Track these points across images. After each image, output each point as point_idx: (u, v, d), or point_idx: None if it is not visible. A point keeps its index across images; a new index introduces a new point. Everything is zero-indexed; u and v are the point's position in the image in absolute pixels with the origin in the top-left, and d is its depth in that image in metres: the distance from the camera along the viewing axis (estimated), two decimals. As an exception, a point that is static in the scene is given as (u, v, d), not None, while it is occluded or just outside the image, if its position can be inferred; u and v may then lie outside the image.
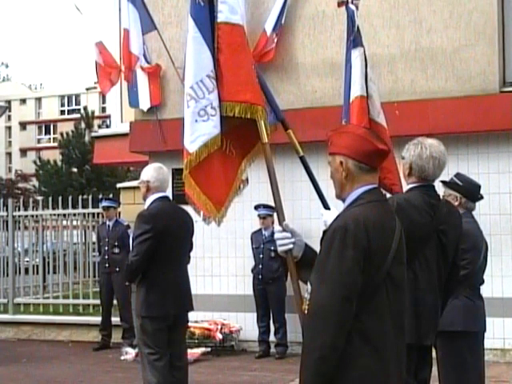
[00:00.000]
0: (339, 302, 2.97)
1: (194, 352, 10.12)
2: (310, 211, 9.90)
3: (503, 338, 9.65)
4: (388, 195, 5.22)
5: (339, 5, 6.73)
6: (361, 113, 6.32)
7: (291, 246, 3.63)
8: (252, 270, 10.57)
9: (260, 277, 10.41)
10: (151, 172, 6.31)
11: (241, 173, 4.52)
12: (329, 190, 3.81)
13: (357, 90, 6.41)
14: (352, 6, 6.67)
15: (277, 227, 3.73)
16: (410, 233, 4.67)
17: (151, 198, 6.28)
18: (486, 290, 6.17)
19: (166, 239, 6.15)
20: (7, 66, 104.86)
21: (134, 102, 11.45)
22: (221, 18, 4.33)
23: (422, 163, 4.60)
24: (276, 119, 4.68)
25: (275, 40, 10.65)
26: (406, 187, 4.80)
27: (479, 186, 5.95)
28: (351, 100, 6.43)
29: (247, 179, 4.65)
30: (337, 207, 3.79)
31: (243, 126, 4.35)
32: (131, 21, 10.86)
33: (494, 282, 9.14)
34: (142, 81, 11.24)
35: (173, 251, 6.25)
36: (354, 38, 6.60)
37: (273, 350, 10.46)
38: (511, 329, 9.65)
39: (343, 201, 3.30)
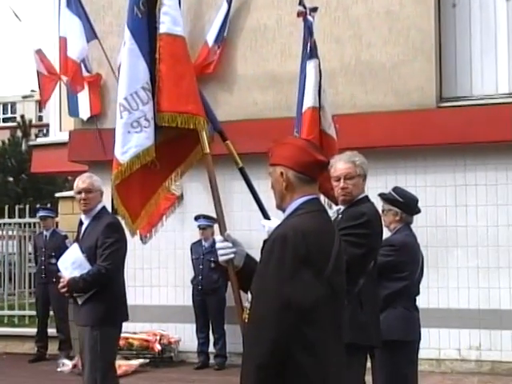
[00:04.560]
0: (278, 311, 2.99)
1: (132, 363, 10.06)
2: (250, 222, 9.94)
3: (438, 349, 9.82)
4: (334, 207, 5.31)
5: (298, 15, 6.79)
6: (312, 124, 6.34)
7: (232, 255, 3.66)
8: (191, 281, 10.54)
9: (200, 288, 10.39)
10: (100, 181, 6.28)
11: (168, 185, 4.53)
12: (269, 202, 3.84)
13: (309, 101, 6.44)
14: (310, 18, 6.74)
15: (218, 237, 3.76)
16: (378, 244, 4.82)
17: (100, 206, 6.23)
18: (422, 301, 6.29)
19: (126, 247, 6.19)
20: None
21: (73, 111, 11.34)
22: (163, 29, 4.34)
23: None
24: (213, 130, 4.71)
25: (217, 52, 10.68)
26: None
27: (417, 200, 6.08)
28: (303, 110, 6.46)
29: (182, 195, 4.69)
30: (277, 217, 3.83)
31: (176, 139, 4.37)
32: (71, 28, 10.74)
33: (430, 293, 9.31)
34: (82, 90, 11.14)
35: (125, 260, 6.30)
36: (311, 49, 6.66)
37: (212, 361, 10.43)
38: (446, 339, 9.83)
39: (283, 211, 3.34)
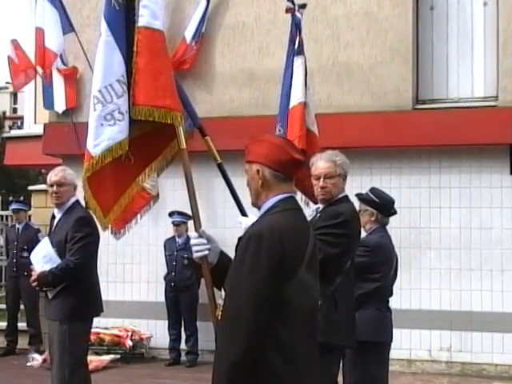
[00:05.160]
0: (252, 309, 2.98)
1: (102, 359, 10.01)
2: (225, 220, 9.93)
3: (410, 349, 9.87)
4: (312, 205, 5.32)
5: (286, 11, 6.78)
6: (302, 120, 6.34)
7: (207, 252, 3.64)
8: (164, 278, 10.51)
9: (172, 284, 10.36)
10: (73, 175, 6.22)
11: (141, 180, 4.51)
12: (246, 199, 3.83)
13: (300, 97, 6.42)
14: (298, 14, 6.73)
15: (193, 233, 3.74)
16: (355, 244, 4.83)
17: (73, 200, 6.18)
18: (394, 302, 6.31)
19: (98, 242, 6.16)
20: None
21: (48, 103, 11.25)
22: (142, 22, 4.31)
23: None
24: (193, 126, 4.69)
25: (195, 48, 10.65)
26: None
27: (393, 202, 6.11)
28: (292, 106, 6.42)
29: (158, 194, 4.66)
30: (255, 214, 3.83)
31: (151, 133, 4.34)
32: (48, 20, 10.64)
33: (403, 294, 9.35)
34: (58, 82, 11.06)
35: (97, 255, 6.25)
36: (299, 46, 6.64)
37: (183, 358, 10.41)
38: (417, 340, 9.88)
39: (259, 209, 3.33)
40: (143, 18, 4.30)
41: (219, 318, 3.17)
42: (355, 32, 10.29)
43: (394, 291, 6.25)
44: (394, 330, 6.00)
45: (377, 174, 9.96)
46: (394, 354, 6.32)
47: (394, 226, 7.07)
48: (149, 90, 4.27)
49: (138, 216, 4.68)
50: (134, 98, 4.28)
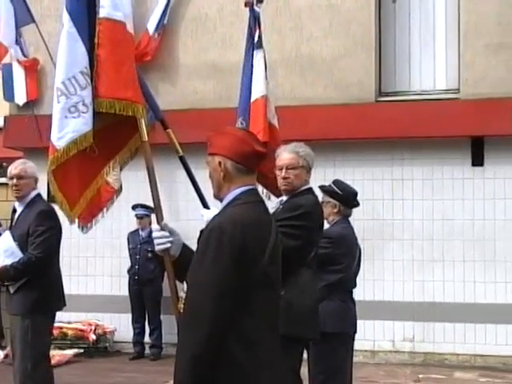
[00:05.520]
0: (214, 301, 2.98)
1: (66, 353, 9.94)
2: (188, 212, 9.89)
3: (373, 340, 9.95)
4: (274, 198, 5.32)
5: (245, 5, 6.76)
6: (264, 113, 6.33)
7: (169, 245, 3.63)
8: (128, 271, 10.46)
9: (136, 277, 10.31)
10: (34, 168, 6.15)
11: (106, 172, 4.48)
12: (209, 191, 3.82)
13: (262, 90, 6.41)
14: (257, 8, 6.71)
15: (155, 226, 3.72)
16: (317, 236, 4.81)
17: (34, 193, 6.11)
18: (357, 293, 6.34)
19: (60, 236, 6.10)
20: None
21: (9, 95, 11.11)
22: (102, 13, 4.27)
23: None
24: (155, 118, 4.66)
25: (157, 39, 10.60)
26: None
27: (356, 194, 6.12)
28: (254, 98, 6.41)
29: (121, 187, 4.63)
30: (217, 207, 3.81)
31: (115, 125, 4.31)
32: (3, 11, 10.47)
33: (366, 285, 9.41)
34: (18, 74, 10.92)
35: (59, 248, 6.19)
36: (258, 40, 6.62)
37: (147, 351, 10.38)
38: (381, 331, 9.96)
39: (221, 201, 3.32)
40: (104, 9, 4.26)
41: (181, 310, 3.16)
42: (318, 24, 10.30)
43: (358, 283, 6.28)
44: (358, 321, 6.03)
45: (340, 166, 9.99)
46: (357, 344, 6.35)
47: (357, 217, 7.10)
48: (110, 81, 4.23)
49: (104, 210, 4.65)
50: (95, 90, 4.25)
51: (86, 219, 4.55)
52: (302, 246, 4.49)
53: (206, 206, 4.88)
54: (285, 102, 9.70)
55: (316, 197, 4.93)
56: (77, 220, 4.53)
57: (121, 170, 4.54)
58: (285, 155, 4.91)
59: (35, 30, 10.63)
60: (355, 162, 10.14)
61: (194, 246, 3.42)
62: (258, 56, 6.56)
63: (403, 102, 10.16)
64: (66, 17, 4.36)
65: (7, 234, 6.09)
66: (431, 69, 10.32)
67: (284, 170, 4.86)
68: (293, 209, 4.65)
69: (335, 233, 5.85)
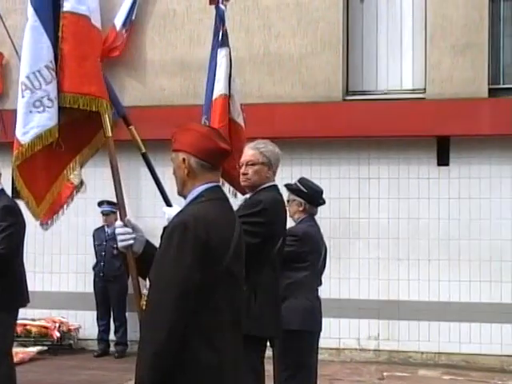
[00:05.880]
0: (176, 298, 2.96)
1: (29, 351, 9.86)
2: (154, 209, 9.84)
3: (339, 338, 9.99)
4: (240, 195, 5.30)
5: (210, 2, 6.73)
6: (223, 111, 6.32)
7: (132, 241, 3.61)
8: (93, 268, 10.40)
9: (101, 274, 10.26)
10: None
11: (71, 168, 4.44)
12: (171, 189, 3.80)
13: (221, 89, 6.40)
14: (222, 6, 6.69)
15: (118, 222, 3.69)
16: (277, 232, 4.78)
17: None
18: (323, 291, 6.36)
19: (24, 231, 6.05)
20: None
21: (-27, 90, 10.98)
22: (66, 7, 4.23)
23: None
24: (117, 115, 4.62)
25: (124, 36, 10.54)
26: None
27: (322, 192, 6.14)
28: (214, 97, 6.41)
29: (82, 181, 4.58)
30: (180, 205, 3.79)
31: (80, 120, 4.28)
32: None
33: (332, 283, 9.44)
34: (-17, 69, 10.80)
35: (23, 244, 6.13)
36: (223, 38, 6.61)
37: (112, 348, 10.33)
38: (346, 329, 10.00)
39: (184, 198, 3.30)
40: (68, 3, 4.22)
41: (144, 307, 3.14)
42: (286, 22, 10.32)
43: (324, 281, 6.30)
44: (323, 319, 6.05)
45: (307, 165, 10.01)
46: (322, 342, 6.38)
47: (323, 216, 7.14)
48: (73, 76, 4.20)
49: (65, 206, 4.60)
50: (59, 85, 4.21)
51: (47, 216, 4.51)
52: (261, 243, 4.47)
53: (168, 203, 4.85)
54: (252, 100, 9.68)
55: (278, 194, 4.90)
56: (33, 211, 4.48)
57: (81, 166, 4.49)
58: (245, 151, 4.92)
59: (0, 24, 10.50)
60: (322, 161, 10.17)
61: (157, 244, 3.41)
62: (221, 54, 6.55)
63: (370, 101, 10.21)
64: (30, 11, 4.31)
65: (-29, 230, 6.02)
66: (398, 68, 10.38)
67: (244, 166, 4.85)
68: (252, 206, 4.64)
69: (300, 231, 5.86)
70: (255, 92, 10.11)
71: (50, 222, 4.57)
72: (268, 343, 5.15)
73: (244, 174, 4.83)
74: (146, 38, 10.73)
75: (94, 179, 9.76)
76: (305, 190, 5.99)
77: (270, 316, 4.74)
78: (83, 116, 4.27)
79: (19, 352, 9.15)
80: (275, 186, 4.90)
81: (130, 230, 3.62)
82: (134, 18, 10.58)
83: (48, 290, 10.78)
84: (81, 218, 10.53)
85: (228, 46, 6.65)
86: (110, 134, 4.09)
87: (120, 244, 3.63)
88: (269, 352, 5.38)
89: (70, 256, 10.89)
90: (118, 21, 10.50)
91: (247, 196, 4.96)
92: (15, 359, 6.39)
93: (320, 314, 5.99)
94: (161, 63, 10.64)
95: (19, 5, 10.50)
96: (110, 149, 4.04)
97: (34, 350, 9.96)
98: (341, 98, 10.17)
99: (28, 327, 10.15)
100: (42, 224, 4.56)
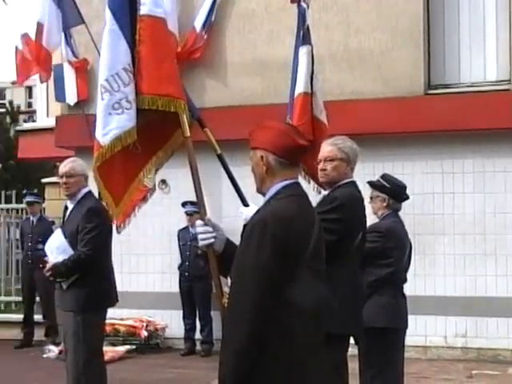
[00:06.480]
0: (257, 296, 2.97)
1: (118, 350, 10.06)
2: (235, 209, 9.85)
3: (425, 336, 9.85)
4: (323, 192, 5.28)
5: (292, 1, 6.76)
6: (303, 109, 6.34)
7: (212, 240, 3.64)
8: (178, 268, 10.53)
9: (186, 274, 10.38)
10: (84, 165, 6.21)
11: (147, 170, 4.50)
12: (247, 189, 3.82)
13: (301, 87, 6.43)
14: (304, 4, 6.71)
15: (198, 222, 3.72)
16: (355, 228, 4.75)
17: (84, 190, 6.17)
18: (409, 289, 6.29)
19: (111, 233, 6.08)
20: None
21: (60, 96, 11.28)
22: (143, 10, 4.30)
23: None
24: (192, 118, 4.67)
25: (204, 37, 10.64)
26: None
27: (405, 187, 6.08)
28: (295, 96, 6.45)
29: (154, 186, 4.64)
30: (255, 205, 3.81)
31: (156, 122, 4.34)
32: (48, 14, 10.59)
33: (417, 280, 9.32)
34: (69, 75, 11.08)
35: (110, 245, 6.24)
36: (304, 36, 6.63)
37: (198, 347, 10.44)
38: (433, 326, 9.86)
39: (263, 195, 3.32)
40: (145, 6, 4.30)
41: (225, 305, 3.17)
42: (366, 17, 10.23)
43: (409, 278, 6.21)
44: (409, 317, 5.97)
45: (389, 161, 9.89)
46: (409, 340, 6.30)
47: (407, 212, 7.05)
48: (151, 78, 4.26)
49: (136, 209, 4.67)
50: (138, 87, 4.28)
51: (120, 219, 4.58)
52: (339, 239, 4.44)
53: (245, 203, 4.88)
54: (333, 97, 9.64)
55: (356, 190, 4.86)
56: (112, 211, 4.56)
57: (157, 170, 4.55)
58: (323, 147, 4.90)
59: (85, 30, 10.76)
60: (404, 156, 10.03)
61: (237, 242, 3.43)
62: (302, 52, 6.56)
63: (453, 94, 10.02)
64: (108, 15, 4.41)
65: (59, 232, 6.18)
66: (481, 60, 10.16)
67: (322, 162, 4.84)
68: (328, 202, 4.62)
69: (384, 226, 5.81)
70: (335, 89, 10.04)
71: (123, 225, 4.64)
72: (353, 341, 5.12)
73: (322, 170, 4.82)
74: (225, 39, 10.81)
75: (178, 180, 9.91)
76: (388, 185, 5.95)
77: (349, 312, 4.68)
78: (159, 118, 4.33)
79: (109, 351, 9.33)
80: (353, 183, 4.86)
81: (210, 228, 3.65)
82: (213, 19, 10.67)
83: (135, 290, 10.97)
84: (165, 218, 10.68)
85: (310, 43, 6.67)
86: (189, 135, 4.14)
87: (201, 243, 3.67)
88: (354, 350, 5.36)
89: (155, 256, 11.05)
90: (198, 23, 10.62)
91: (325, 193, 4.94)
92: (105, 358, 6.51)
93: (405, 311, 5.92)
94: (241, 63, 10.69)
95: (102, 12, 10.58)
96: (189, 149, 4.09)
97: (122, 349, 10.16)
98: (422, 92, 10.03)
99: (116, 327, 10.36)
100: (116, 227, 4.64)
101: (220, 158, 4.84)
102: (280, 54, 10.06)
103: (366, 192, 5.71)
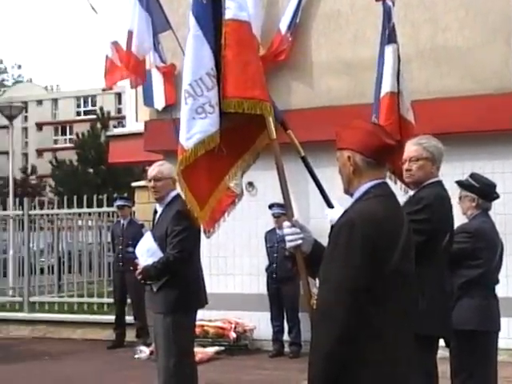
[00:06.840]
0: (346, 297, 2.95)
1: (207, 351, 10.14)
2: (322, 211, 9.87)
3: (519, 339, 9.60)
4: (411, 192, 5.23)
5: None
6: (390, 109, 6.31)
7: (300, 241, 3.63)
8: (266, 269, 10.57)
9: (274, 276, 10.41)
10: (171, 169, 6.29)
11: (233, 174, 4.52)
12: (332, 190, 3.80)
13: (387, 86, 6.40)
14: (389, 2, 6.67)
15: (286, 223, 3.73)
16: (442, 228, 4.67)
17: (173, 193, 6.24)
18: (501, 290, 6.14)
19: (199, 235, 6.10)
20: (20, 67, 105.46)
21: (148, 101, 11.48)
22: (228, 14, 4.33)
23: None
24: (276, 121, 4.68)
25: (290, 39, 10.66)
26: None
27: (495, 186, 5.95)
28: (381, 96, 6.42)
29: (242, 192, 4.65)
30: (341, 206, 3.78)
31: (241, 126, 4.35)
32: (137, 22, 10.77)
33: (510, 281, 9.09)
34: (157, 80, 11.25)
35: (199, 248, 6.30)
36: (389, 34, 6.59)
37: (287, 349, 10.45)
38: (527, 329, 9.59)
39: (351, 196, 3.29)
40: (230, 11, 4.32)
41: (314, 307, 3.16)
42: (453, 14, 10.06)
43: (501, 279, 6.06)
44: (502, 319, 5.83)
45: (478, 159, 9.66)
46: (502, 343, 6.15)
47: (497, 211, 6.89)
48: (238, 81, 4.28)
49: (226, 214, 4.70)
50: (223, 91, 4.31)
51: (209, 224, 4.61)
52: (428, 240, 4.38)
53: (330, 205, 4.87)
54: (420, 96, 9.52)
55: (442, 190, 4.78)
56: (202, 224, 4.60)
57: (243, 173, 4.57)
58: (408, 147, 4.85)
59: (172, 36, 10.90)
60: (494, 155, 9.80)
61: (325, 243, 3.42)
62: (388, 50, 6.51)
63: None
64: (192, 21, 4.46)
65: (148, 235, 6.28)
66: None
67: (407, 162, 4.79)
68: (414, 203, 4.56)
69: (473, 227, 5.69)
70: (422, 88, 9.90)
71: (211, 230, 4.67)
72: (444, 343, 5.03)
73: (407, 171, 4.77)
74: (311, 40, 10.80)
75: (265, 182, 9.96)
76: (477, 184, 5.82)
77: (438, 314, 4.61)
78: (244, 121, 4.34)
79: (198, 352, 9.40)
80: (439, 182, 4.79)
81: (297, 230, 3.65)
82: (298, 20, 10.68)
83: (223, 292, 11.06)
84: (252, 220, 10.74)
85: (395, 41, 6.61)
86: (275, 137, 4.15)
87: (288, 244, 3.67)
88: (445, 352, 5.27)
89: (243, 258, 11.13)
90: (283, 25, 10.64)
91: (411, 193, 4.88)
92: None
93: (498, 313, 5.78)
94: (326, 64, 10.66)
95: (189, 18, 10.83)
96: (276, 151, 4.10)
97: (211, 350, 10.26)
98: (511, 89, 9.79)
99: (205, 328, 10.45)
100: (204, 232, 4.68)
101: (304, 160, 4.83)
102: (365, 53, 9.99)
103: (455, 192, 5.61)
